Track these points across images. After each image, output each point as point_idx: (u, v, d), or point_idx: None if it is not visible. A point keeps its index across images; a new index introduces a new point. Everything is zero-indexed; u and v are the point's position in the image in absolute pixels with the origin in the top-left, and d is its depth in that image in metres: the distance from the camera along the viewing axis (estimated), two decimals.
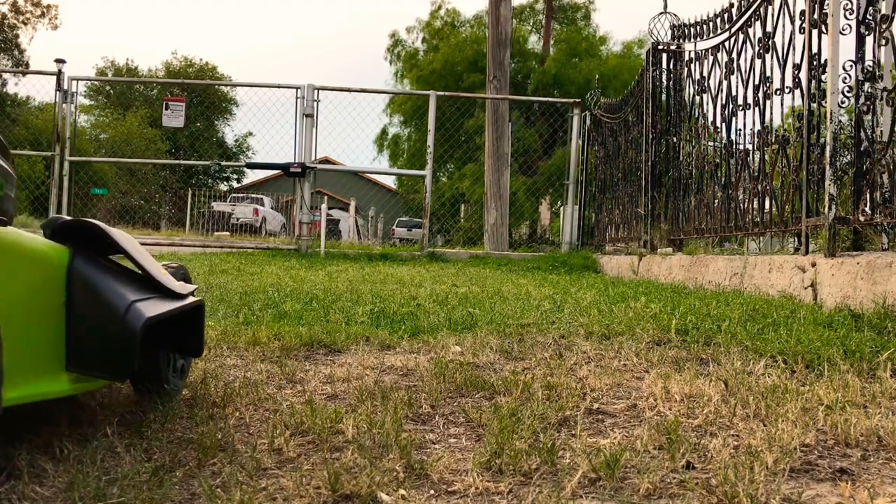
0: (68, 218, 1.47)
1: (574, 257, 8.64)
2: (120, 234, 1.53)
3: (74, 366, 1.33)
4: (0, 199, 1.52)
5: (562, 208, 10.89)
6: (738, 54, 5.09)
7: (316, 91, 9.35)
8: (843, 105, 3.65)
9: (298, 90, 9.22)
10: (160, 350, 1.61)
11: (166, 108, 10.10)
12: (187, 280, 1.81)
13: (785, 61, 4.30)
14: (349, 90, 9.86)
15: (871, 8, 3.43)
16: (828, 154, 3.59)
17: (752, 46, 4.81)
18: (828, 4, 3.69)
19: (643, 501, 1.05)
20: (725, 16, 5.31)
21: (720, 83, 5.41)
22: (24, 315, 1.21)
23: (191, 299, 1.64)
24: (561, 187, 10.98)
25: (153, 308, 1.43)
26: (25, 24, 36.52)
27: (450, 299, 3.77)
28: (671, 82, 6.53)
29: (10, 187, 1.58)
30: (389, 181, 30.04)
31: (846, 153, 3.79)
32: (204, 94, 32.14)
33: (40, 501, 1.01)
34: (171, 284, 1.60)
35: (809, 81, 3.82)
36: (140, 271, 1.53)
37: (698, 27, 5.90)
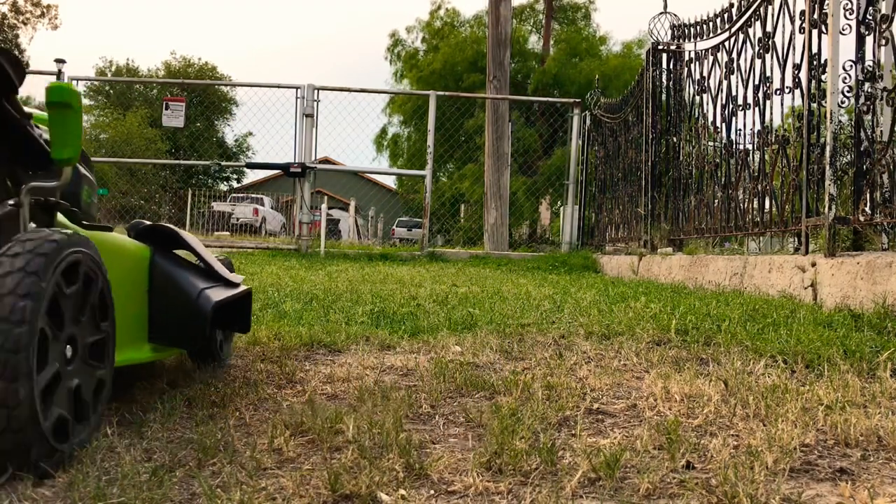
0: (148, 222, 1.90)
1: (574, 257, 8.64)
2: (188, 235, 1.95)
3: (155, 339, 1.75)
4: (88, 205, 1.79)
5: (562, 208, 10.89)
6: (738, 54, 5.09)
7: (316, 91, 9.35)
8: (843, 105, 3.65)
9: (298, 90, 9.22)
10: (217, 328, 1.95)
11: (166, 108, 10.10)
12: (231, 270, 2.12)
13: (785, 61, 4.30)
14: (349, 90, 9.87)
15: (871, 8, 3.43)
16: (828, 154, 3.59)
17: (752, 46, 4.81)
18: (828, 4, 3.69)
19: (643, 501, 1.05)
20: (725, 16, 5.31)
21: (720, 83, 5.41)
22: (124, 299, 1.58)
23: (242, 287, 2.00)
24: (561, 187, 10.98)
25: (218, 294, 1.82)
26: (25, 24, 36.52)
27: (450, 299, 3.77)
28: (671, 82, 6.53)
29: (94, 194, 1.87)
30: (389, 181, 30.05)
31: (846, 153, 3.79)
32: (204, 94, 32.13)
33: (40, 501, 1.01)
34: (227, 275, 1.97)
35: (809, 81, 3.82)
36: (203, 265, 1.92)
37: (698, 27, 5.90)
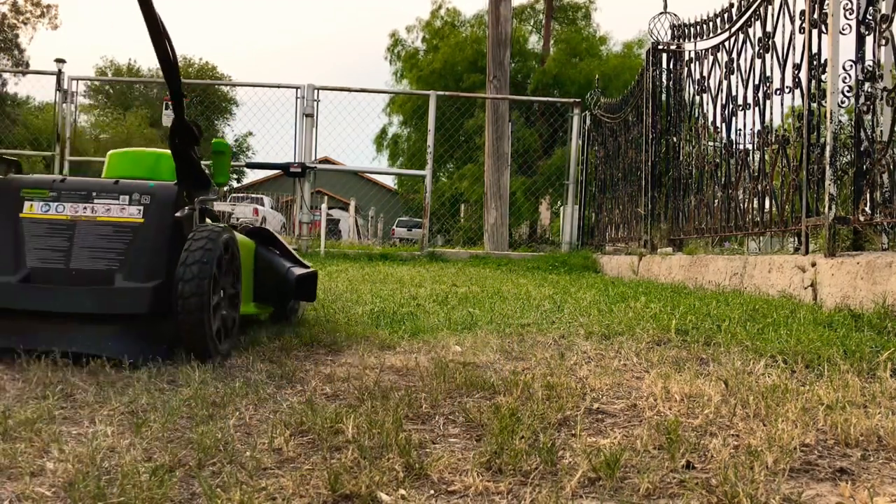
0: (251, 226, 2.85)
1: (574, 257, 8.64)
2: (277, 235, 2.95)
3: (258, 300, 2.67)
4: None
5: (562, 208, 10.89)
6: (738, 54, 5.09)
7: (316, 91, 9.35)
8: (843, 105, 3.65)
9: (298, 90, 9.22)
10: (293, 298, 2.84)
11: (166, 108, 10.08)
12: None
13: (785, 61, 4.30)
14: (349, 90, 9.86)
15: (871, 8, 3.43)
16: (828, 154, 3.59)
17: (752, 46, 4.81)
18: (828, 4, 3.69)
19: (643, 501, 1.05)
20: (725, 16, 5.31)
21: (720, 83, 5.41)
22: (245, 274, 2.41)
23: (311, 269, 2.96)
24: (561, 187, 10.98)
25: (297, 271, 2.78)
26: (25, 24, 36.50)
27: (450, 299, 3.77)
28: (671, 82, 6.53)
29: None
30: (389, 181, 30.04)
31: (846, 153, 3.80)
32: (204, 94, 32.10)
33: (40, 501, 1.02)
34: (302, 261, 3.00)
35: (809, 81, 3.82)
36: (287, 254, 2.94)
37: (698, 27, 5.90)
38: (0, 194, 2.14)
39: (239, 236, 2.41)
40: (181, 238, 2.09)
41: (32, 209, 2.12)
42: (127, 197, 2.15)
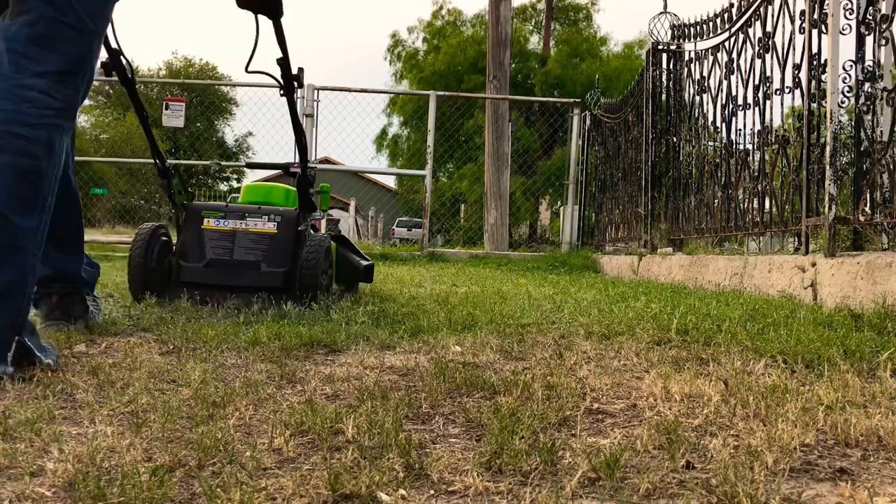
0: (335, 234, 4.09)
1: (574, 257, 8.64)
2: (347, 238, 4.17)
3: (337, 281, 3.89)
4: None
5: (562, 208, 10.89)
6: (738, 54, 5.09)
7: (316, 91, 9.35)
8: (843, 105, 3.65)
9: (298, 90, 9.22)
10: (359, 280, 4.03)
11: (166, 108, 10.09)
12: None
13: (785, 61, 4.30)
14: (349, 90, 9.87)
15: (871, 8, 3.43)
16: (828, 154, 3.59)
17: (752, 46, 4.81)
18: (828, 4, 3.69)
19: (643, 501, 1.05)
20: (725, 16, 5.31)
21: (720, 83, 5.42)
22: (334, 265, 3.67)
23: (370, 261, 4.11)
24: (561, 187, 10.99)
25: (363, 262, 3.98)
26: None
27: (450, 299, 3.77)
28: (671, 82, 6.53)
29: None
30: (389, 181, 30.06)
31: (846, 153, 3.80)
32: (204, 93, 32.10)
33: (40, 501, 1.02)
34: (364, 255, 4.14)
35: (809, 81, 3.82)
36: (355, 250, 4.09)
37: (698, 27, 5.90)
38: (190, 215, 3.27)
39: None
40: (300, 242, 3.25)
41: (209, 223, 3.27)
42: (266, 216, 3.28)
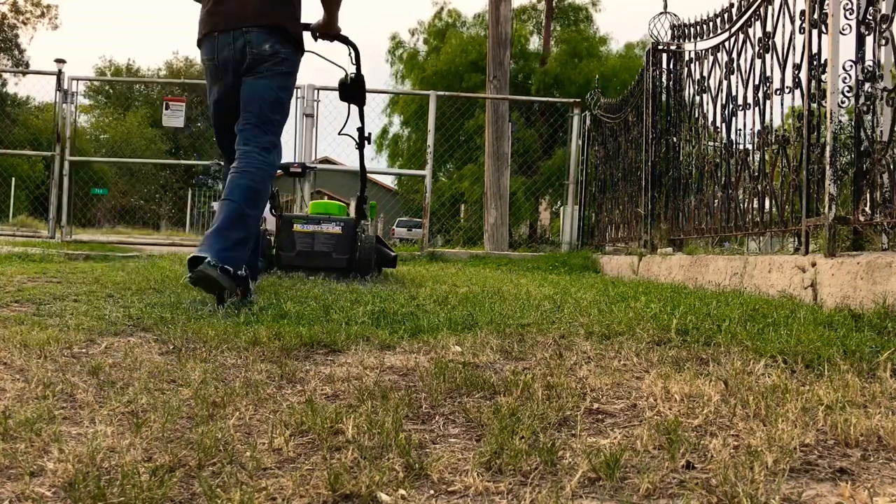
0: (373, 234, 5.63)
1: (574, 257, 8.64)
2: (381, 237, 6.02)
3: (375, 266, 5.33)
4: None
5: (562, 208, 10.89)
6: (738, 54, 5.09)
7: (316, 91, 9.35)
8: (843, 105, 3.65)
9: (298, 90, 9.21)
10: (386, 266, 5.54)
11: (166, 108, 10.09)
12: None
13: (785, 61, 4.30)
14: None
15: (871, 8, 3.43)
16: (828, 154, 3.59)
17: (752, 46, 4.81)
18: (828, 4, 3.69)
19: (643, 501, 1.05)
20: (725, 16, 5.31)
21: (720, 83, 5.42)
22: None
23: (396, 253, 5.75)
24: (561, 187, 10.98)
25: (391, 253, 5.55)
26: (25, 24, 36.48)
27: (450, 299, 3.77)
28: (671, 82, 6.53)
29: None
30: (389, 181, 30.04)
31: (846, 153, 3.80)
32: (204, 94, 32.04)
33: (40, 501, 1.02)
34: (392, 249, 5.79)
35: (809, 81, 3.82)
36: (386, 245, 5.72)
37: (698, 27, 5.90)
38: (285, 222, 5.16)
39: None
40: (356, 239, 5.09)
41: (297, 227, 5.13)
42: (334, 222, 5.13)
